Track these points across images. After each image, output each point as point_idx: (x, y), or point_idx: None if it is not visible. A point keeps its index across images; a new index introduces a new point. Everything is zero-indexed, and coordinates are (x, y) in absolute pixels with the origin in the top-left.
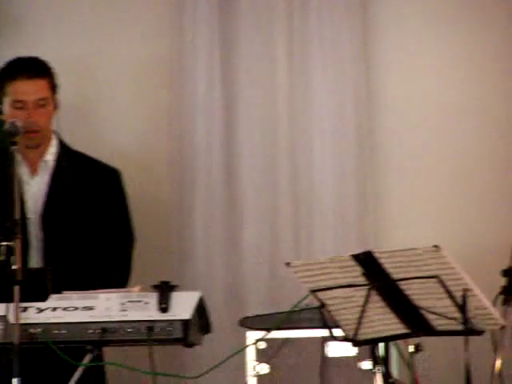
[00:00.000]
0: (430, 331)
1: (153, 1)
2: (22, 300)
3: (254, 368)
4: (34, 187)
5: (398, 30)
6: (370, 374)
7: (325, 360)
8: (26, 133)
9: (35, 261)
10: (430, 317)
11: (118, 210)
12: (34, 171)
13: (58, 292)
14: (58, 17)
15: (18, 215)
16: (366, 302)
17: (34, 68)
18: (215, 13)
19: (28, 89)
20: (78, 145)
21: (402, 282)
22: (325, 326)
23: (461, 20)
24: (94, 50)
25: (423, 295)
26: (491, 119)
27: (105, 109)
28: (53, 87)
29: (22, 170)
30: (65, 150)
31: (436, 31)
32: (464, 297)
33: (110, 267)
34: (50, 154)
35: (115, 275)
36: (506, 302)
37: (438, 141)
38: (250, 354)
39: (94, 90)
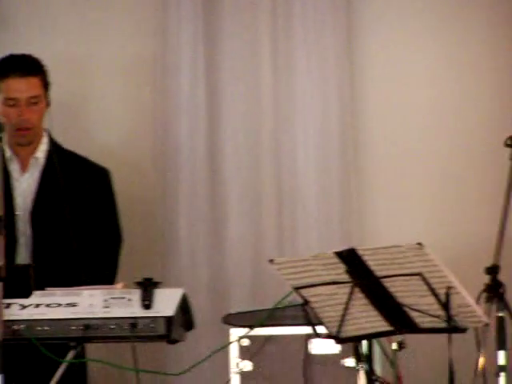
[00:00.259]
0: (414, 328)
1: (137, 0)
2: (6, 296)
3: (237, 365)
4: (24, 184)
5: (383, 28)
6: (354, 371)
7: (308, 357)
8: (17, 130)
9: (23, 257)
10: (414, 314)
11: (106, 210)
12: (24, 168)
13: (44, 289)
14: (45, 16)
15: (1, 212)
16: (350, 299)
17: (27, 66)
18: (199, 11)
19: (20, 86)
20: (64, 142)
21: (385, 280)
22: (308, 323)
23: (446, 19)
24: (78, 48)
25: (406, 292)
26: (476, 118)
27: (90, 107)
28: (45, 85)
29: (13, 167)
30: (55, 148)
31: (421, 30)
32: (447, 294)
33: (96, 266)
34: (41, 151)
35: (101, 274)
36: (489, 300)
37: (421, 140)
38: (233, 350)
39: (78, 89)
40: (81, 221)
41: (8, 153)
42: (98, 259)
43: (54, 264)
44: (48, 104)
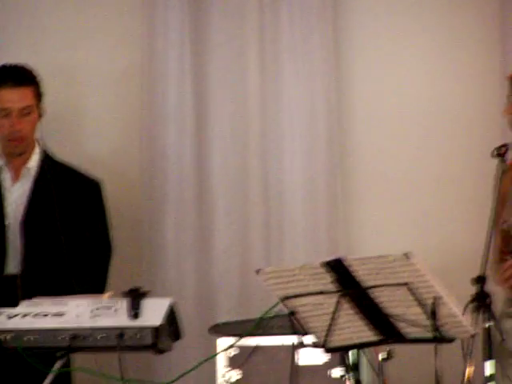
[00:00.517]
0: (401, 339)
1: (124, 9)
2: None
3: (225, 375)
4: (15, 194)
5: (370, 32)
6: (341, 381)
7: (295, 367)
8: (9, 141)
9: (13, 267)
10: (401, 324)
11: (96, 221)
12: (15, 178)
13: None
14: (34, 27)
15: None
16: (337, 309)
17: (20, 76)
18: (186, 20)
19: (13, 97)
20: (53, 151)
21: (372, 290)
22: (295, 332)
23: (434, 21)
24: (66, 59)
25: (394, 302)
26: (463, 129)
27: (78, 117)
28: (38, 95)
29: (4, 177)
30: (47, 159)
31: (408, 37)
32: (434, 304)
33: (87, 276)
34: (33, 161)
35: (92, 284)
36: (476, 310)
37: (409, 149)
38: (221, 360)
39: (66, 99)
40: (72, 231)
41: (0, 162)
42: (89, 270)
43: (45, 274)
44: (41, 114)
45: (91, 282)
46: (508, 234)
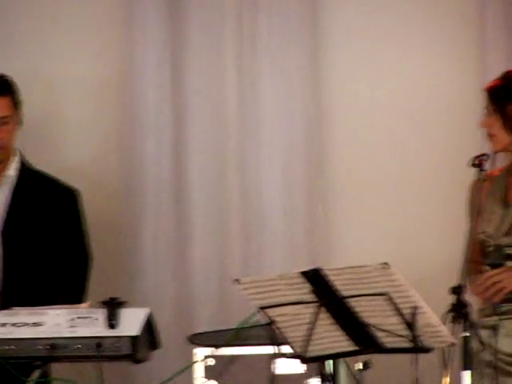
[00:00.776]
0: (379, 348)
1: (103, 18)
2: None
3: None
4: None
5: (349, 40)
6: None
7: (273, 377)
8: None
9: None
10: (379, 334)
11: (74, 230)
12: None
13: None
14: (12, 36)
15: None
16: (315, 319)
17: None
18: (165, 31)
19: None
20: (31, 161)
21: (350, 299)
22: (273, 342)
23: (413, 30)
24: (45, 69)
25: (372, 312)
26: (442, 138)
27: (57, 127)
28: (15, 104)
29: None
30: (25, 168)
31: (388, 48)
32: (413, 314)
33: (66, 286)
34: (12, 169)
35: (71, 294)
36: (454, 320)
37: (388, 159)
38: (199, 370)
39: (47, 110)
40: (50, 241)
41: None
42: (68, 279)
43: (25, 283)
44: (19, 123)
45: (70, 291)
46: (484, 244)
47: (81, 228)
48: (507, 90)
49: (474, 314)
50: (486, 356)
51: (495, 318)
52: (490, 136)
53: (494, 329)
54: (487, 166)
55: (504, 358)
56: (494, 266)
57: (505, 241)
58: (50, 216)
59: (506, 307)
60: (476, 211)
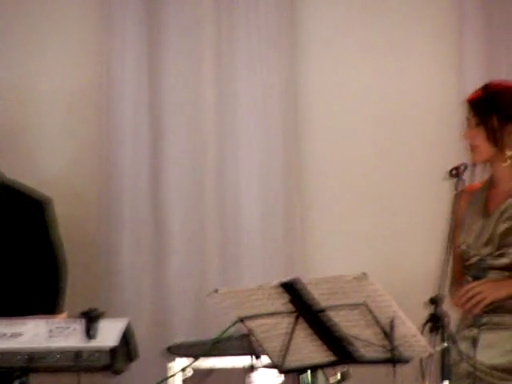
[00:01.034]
0: (358, 359)
1: (81, 26)
2: None
3: None
4: None
5: (329, 55)
6: None
7: None
8: None
9: None
10: (358, 344)
11: (45, 241)
12: None
13: None
14: None
15: None
16: (293, 329)
17: None
18: (143, 40)
19: None
20: (8, 171)
21: (329, 310)
22: (252, 353)
23: (391, 38)
24: (23, 77)
25: (351, 322)
26: (419, 150)
27: (34, 135)
28: None
29: None
30: None
31: (365, 51)
32: (391, 324)
33: (40, 297)
34: None
35: (47, 304)
36: (433, 330)
37: (367, 167)
38: (177, 381)
39: (23, 118)
40: (22, 253)
41: None
42: (42, 290)
43: (1, 295)
44: None
45: (46, 301)
46: (464, 256)
47: (52, 238)
48: (490, 102)
49: (454, 325)
50: (465, 367)
51: (475, 329)
52: (473, 147)
53: (474, 340)
54: (465, 176)
55: (483, 368)
56: (475, 278)
57: (485, 251)
58: (20, 228)
59: (485, 319)
60: (456, 223)
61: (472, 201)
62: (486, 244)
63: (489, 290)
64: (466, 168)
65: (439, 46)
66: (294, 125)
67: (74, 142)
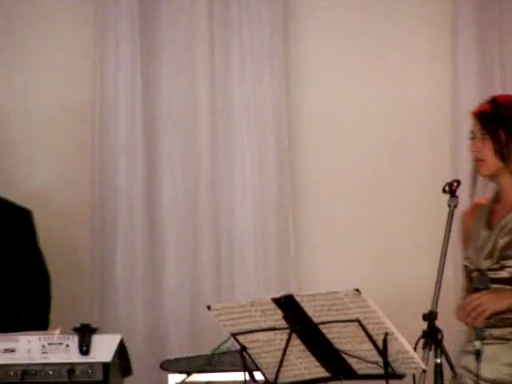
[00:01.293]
0: (351, 375)
1: (75, 42)
2: None
3: None
4: None
5: (320, 58)
6: None
7: None
8: None
9: None
10: (351, 360)
11: (30, 252)
12: None
13: None
14: None
15: None
16: (287, 345)
17: None
18: (137, 53)
19: None
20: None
21: (322, 326)
22: (246, 369)
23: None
24: (16, 90)
25: (344, 339)
26: (414, 165)
27: (28, 149)
28: None
29: None
30: None
31: (359, 63)
32: (385, 340)
33: (27, 309)
34: None
35: (34, 316)
36: (426, 346)
37: (360, 184)
38: None
39: (16, 131)
40: (7, 265)
41: None
42: (29, 302)
43: None
44: None
45: (33, 313)
46: (467, 270)
47: (34, 248)
48: (497, 116)
49: (447, 340)
50: (468, 382)
51: (478, 342)
52: (479, 161)
53: (478, 354)
54: (459, 192)
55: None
56: (477, 291)
57: (486, 264)
58: (7, 237)
59: (487, 332)
60: (464, 238)
61: (478, 215)
62: (487, 257)
63: (488, 302)
64: (459, 184)
65: (433, 53)
66: (288, 138)
67: (67, 155)
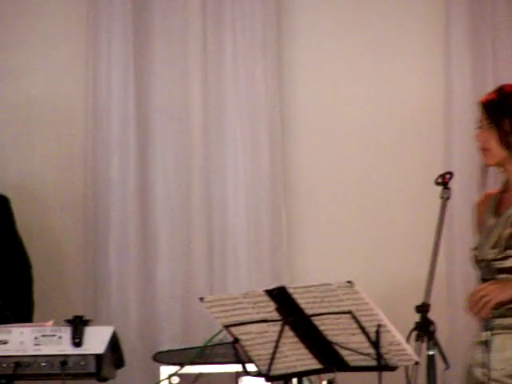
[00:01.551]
0: (344, 367)
1: (67, 39)
2: None
3: None
4: None
5: (314, 60)
6: None
7: None
8: None
9: None
10: (344, 352)
11: (11, 238)
12: None
13: None
14: None
15: None
16: (280, 337)
17: None
18: (130, 50)
19: None
20: None
21: (315, 318)
22: (238, 361)
23: (378, 48)
24: (10, 87)
25: (337, 331)
26: (406, 157)
27: (21, 146)
28: None
29: None
30: None
31: (352, 60)
32: (377, 332)
33: (10, 296)
34: None
35: (18, 303)
36: (419, 338)
37: (352, 178)
38: None
39: (9, 128)
40: None
41: None
42: (11, 289)
43: None
44: None
45: (16, 300)
46: (473, 260)
47: (15, 234)
48: (503, 105)
49: (440, 332)
50: (479, 374)
51: (487, 333)
52: (484, 150)
53: (487, 344)
54: (451, 184)
55: (497, 377)
56: (485, 281)
57: (491, 254)
58: None
59: (495, 322)
60: (476, 230)
61: (488, 205)
62: (493, 247)
63: (494, 292)
64: (451, 176)
65: (426, 49)
66: (281, 133)
67: (60, 151)
